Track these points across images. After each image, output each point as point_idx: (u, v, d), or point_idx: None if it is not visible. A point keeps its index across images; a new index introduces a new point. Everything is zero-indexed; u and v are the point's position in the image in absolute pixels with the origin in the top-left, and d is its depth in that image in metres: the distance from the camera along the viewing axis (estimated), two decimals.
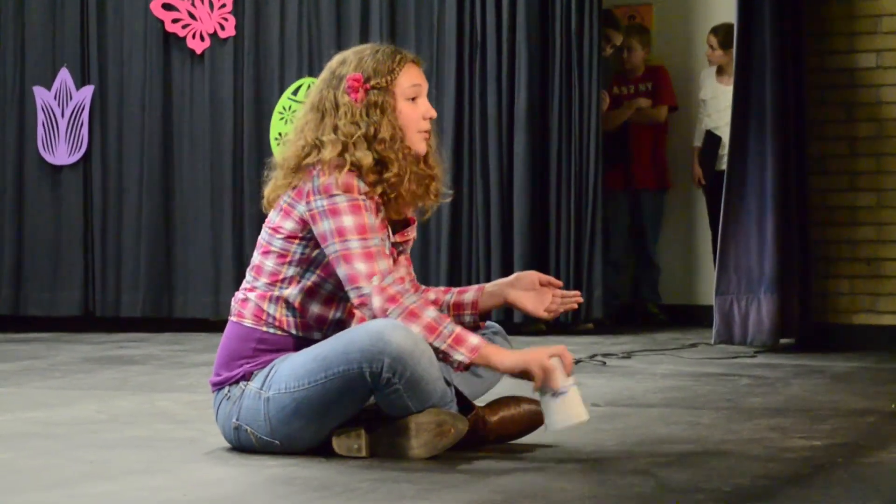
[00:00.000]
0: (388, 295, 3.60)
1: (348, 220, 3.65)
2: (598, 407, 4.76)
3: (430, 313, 3.61)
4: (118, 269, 8.51)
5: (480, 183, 8.01)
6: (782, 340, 6.90)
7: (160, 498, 3.17)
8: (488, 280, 7.64)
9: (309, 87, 7.88)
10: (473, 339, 3.62)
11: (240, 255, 8.21)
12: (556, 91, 7.95)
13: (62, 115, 8.55)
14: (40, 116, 8.58)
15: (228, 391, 3.75)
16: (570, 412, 3.57)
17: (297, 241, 3.73)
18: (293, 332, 3.73)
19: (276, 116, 8.26)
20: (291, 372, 3.64)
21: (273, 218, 3.79)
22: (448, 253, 8.03)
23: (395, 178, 3.72)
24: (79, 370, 6.17)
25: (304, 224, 3.71)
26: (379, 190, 3.71)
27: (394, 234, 3.81)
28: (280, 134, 8.12)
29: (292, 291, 3.73)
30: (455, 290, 3.98)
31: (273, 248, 3.76)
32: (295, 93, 8.21)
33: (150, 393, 5.29)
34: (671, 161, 9.07)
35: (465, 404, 3.75)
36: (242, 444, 3.74)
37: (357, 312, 3.78)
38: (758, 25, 6.90)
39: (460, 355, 3.59)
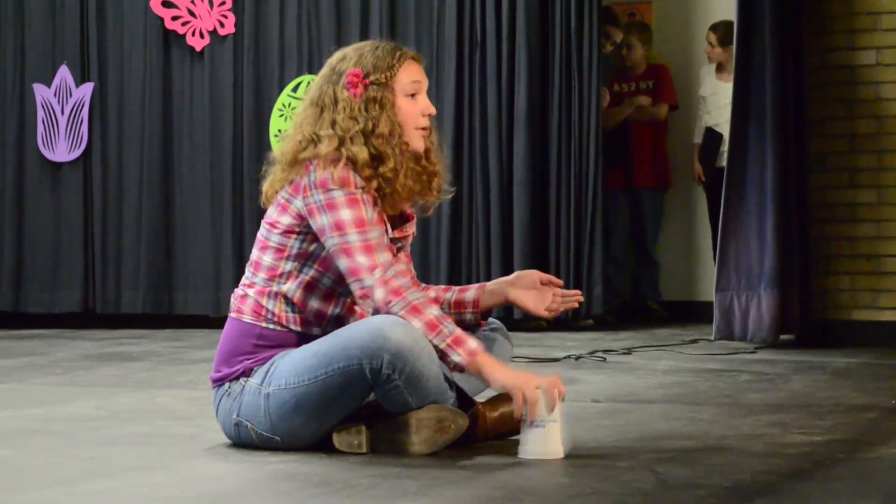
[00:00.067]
0: (391, 287, 3.60)
1: (346, 214, 3.65)
2: (598, 403, 4.76)
3: (433, 311, 3.62)
4: (118, 266, 8.51)
5: (480, 181, 8.01)
6: (782, 337, 6.90)
7: (160, 494, 3.17)
8: (489, 278, 7.67)
9: (309, 83, 7.88)
10: (473, 343, 3.62)
11: (240, 252, 8.21)
12: (555, 89, 7.95)
13: (62, 113, 8.55)
14: (40, 114, 8.58)
15: (229, 387, 3.75)
16: (544, 447, 3.55)
17: (294, 236, 3.73)
18: (292, 327, 3.74)
19: (275, 113, 8.26)
20: (292, 368, 3.64)
21: (271, 213, 3.79)
22: (448, 251, 8.03)
23: (390, 172, 3.72)
24: (79, 367, 6.17)
25: (302, 219, 3.71)
26: (374, 184, 3.72)
27: (392, 230, 3.81)
28: (280, 131, 8.12)
29: (291, 286, 3.73)
30: (456, 288, 3.99)
31: (271, 244, 3.76)
32: (295, 90, 8.21)
33: (150, 389, 5.29)
34: (671, 159, 9.07)
35: (465, 400, 3.75)
36: (243, 441, 3.74)
37: (357, 309, 3.78)
38: (758, 22, 6.90)
39: (458, 356, 3.59)
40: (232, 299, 3.82)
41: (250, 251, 3.87)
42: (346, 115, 3.74)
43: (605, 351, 6.63)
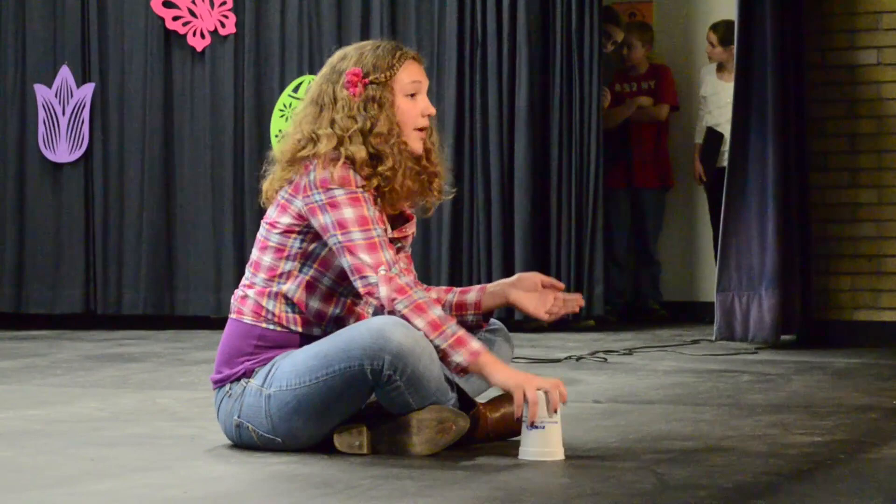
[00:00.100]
0: (396, 285, 3.60)
1: (349, 212, 3.65)
2: (599, 403, 4.76)
3: (437, 311, 3.62)
4: (119, 266, 8.51)
5: (481, 180, 8.01)
6: (783, 337, 6.90)
7: (161, 495, 3.17)
8: (489, 278, 7.67)
9: (310, 83, 7.88)
10: (475, 343, 3.62)
11: (241, 253, 8.21)
12: (556, 88, 7.95)
13: (63, 113, 8.55)
14: (41, 114, 8.58)
15: (230, 388, 3.75)
16: (543, 448, 3.55)
17: (293, 236, 3.74)
18: (293, 327, 3.73)
19: (276, 114, 8.26)
20: (293, 369, 3.64)
21: (270, 213, 3.79)
22: (449, 251, 8.03)
23: (389, 171, 3.72)
24: (80, 368, 6.17)
25: (302, 218, 3.71)
26: (374, 183, 3.72)
27: (391, 230, 3.81)
28: (280, 131, 8.12)
29: (291, 287, 3.73)
30: (457, 290, 3.99)
31: (270, 244, 3.77)
32: (296, 90, 8.21)
33: (151, 390, 5.29)
34: (672, 159, 9.06)
35: (466, 401, 3.75)
36: (244, 442, 3.74)
37: (356, 309, 3.78)
38: (758, 22, 6.90)
39: (460, 357, 3.59)
40: (232, 300, 3.82)
41: (251, 250, 3.87)
42: (344, 114, 3.75)
43: (606, 351, 6.63)
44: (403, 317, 3.59)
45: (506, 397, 3.82)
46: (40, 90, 8.58)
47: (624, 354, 6.57)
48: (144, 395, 5.11)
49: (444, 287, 4.03)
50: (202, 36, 8.45)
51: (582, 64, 7.93)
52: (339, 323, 3.75)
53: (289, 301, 3.73)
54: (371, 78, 3.76)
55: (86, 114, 8.52)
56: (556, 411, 3.55)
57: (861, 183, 7.10)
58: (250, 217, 8.24)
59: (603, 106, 8.15)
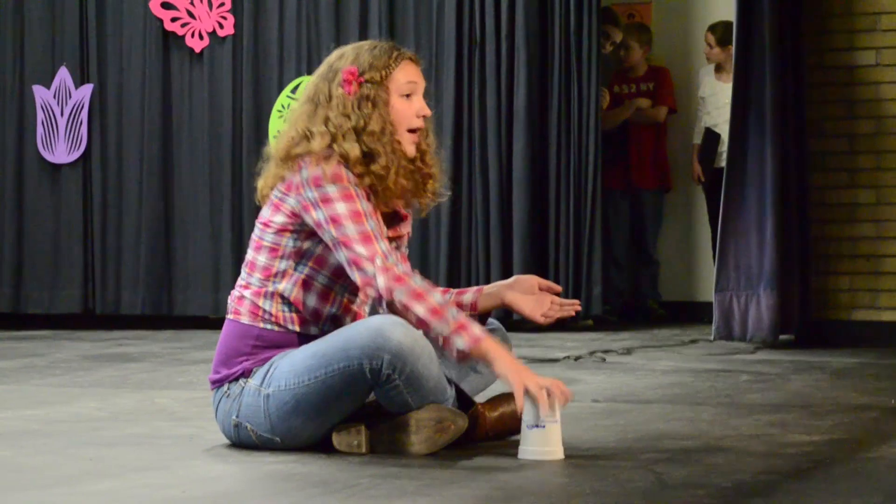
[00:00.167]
0: (393, 275, 3.60)
1: (341, 207, 3.65)
2: (597, 403, 4.77)
3: (436, 297, 3.61)
4: (118, 266, 8.51)
5: (480, 181, 8.01)
6: (782, 337, 6.90)
7: (160, 495, 3.17)
8: (488, 278, 7.67)
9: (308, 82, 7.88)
10: (476, 328, 3.61)
11: (239, 253, 8.21)
12: (555, 89, 7.95)
13: (61, 114, 8.55)
14: (40, 115, 8.58)
15: (228, 389, 3.75)
16: (544, 447, 3.55)
17: (287, 234, 3.74)
18: (290, 327, 3.74)
19: (274, 115, 8.26)
20: (291, 368, 3.64)
21: (264, 213, 3.80)
22: (447, 251, 8.03)
23: (382, 170, 3.72)
24: (79, 368, 6.17)
25: (295, 216, 3.71)
26: (367, 181, 3.72)
27: (387, 229, 3.81)
28: (279, 132, 8.11)
29: (287, 286, 3.73)
30: (454, 291, 3.98)
31: (265, 243, 3.77)
32: (294, 91, 8.21)
33: (150, 390, 5.29)
34: (671, 160, 9.06)
35: (464, 400, 3.75)
36: (242, 442, 3.74)
37: (353, 308, 3.78)
38: (757, 23, 6.90)
39: (462, 342, 3.58)
40: (229, 301, 3.82)
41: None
42: (338, 111, 3.75)
43: (605, 351, 6.64)
44: (403, 305, 3.59)
45: (504, 397, 3.83)
46: (39, 91, 8.58)
47: (622, 354, 6.57)
48: (143, 395, 5.11)
49: (440, 288, 4.03)
50: (200, 37, 8.45)
51: (580, 65, 7.93)
52: (335, 321, 3.75)
53: (285, 300, 3.73)
54: (367, 77, 3.77)
55: (84, 115, 8.52)
56: (555, 411, 3.55)
57: (860, 183, 7.10)
58: (248, 217, 8.24)
59: (602, 106, 8.15)
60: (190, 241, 8.43)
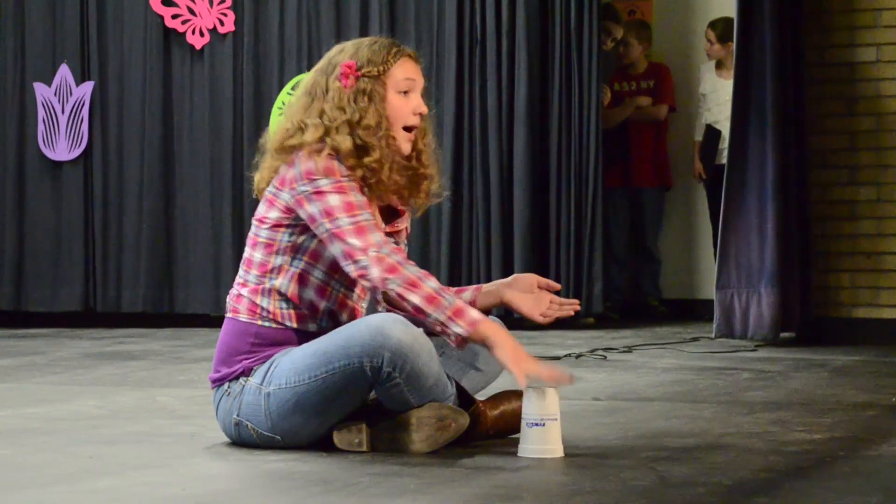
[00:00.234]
0: (386, 265, 3.59)
1: (334, 200, 3.65)
2: (598, 401, 4.76)
3: (431, 283, 3.60)
4: (119, 264, 8.51)
5: (480, 178, 8.01)
6: (783, 334, 6.90)
7: (160, 493, 3.17)
8: (489, 276, 7.67)
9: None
10: (473, 312, 3.60)
11: (240, 250, 8.20)
12: (556, 86, 7.95)
13: (62, 111, 8.55)
14: (40, 112, 8.58)
15: (228, 387, 3.75)
16: (543, 445, 3.55)
17: (282, 230, 3.74)
18: (288, 323, 3.73)
19: (275, 112, 8.26)
20: (292, 367, 3.64)
21: (259, 209, 3.80)
22: (448, 248, 8.03)
23: (375, 163, 3.71)
24: (79, 366, 6.17)
25: (290, 211, 3.71)
26: (359, 174, 3.71)
27: (384, 224, 3.81)
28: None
29: (283, 281, 3.73)
30: (453, 289, 3.98)
31: (260, 239, 3.77)
32: (294, 88, 8.20)
33: (151, 388, 5.29)
34: (672, 157, 9.06)
35: (465, 398, 3.74)
36: (243, 440, 3.74)
37: (349, 303, 3.77)
38: (758, 20, 6.90)
39: (459, 328, 3.58)
40: (228, 299, 3.83)
41: None
42: (333, 104, 3.75)
43: (606, 349, 6.64)
44: (398, 294, 3.58)
45: (505, 395, 3.83)
46: (40, 88, 8.58)
47: (623, 352, 6.57)
48: (144, 393, 5.11)
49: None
50: (201, 34, 8.45)
51: (581, 61, 7.93)
52: (332, 317, 3.74)
53: (283, 296, 3.73)
54: (364, 71, 3.77)
55: (85, 112, 8.52)
56: (555, 406, 3.55)
57: (860, 180, 7.10)
58: (249, 214, 8.23)
59: (603, 103, 8.15)
60: (191, 239, 8.43)
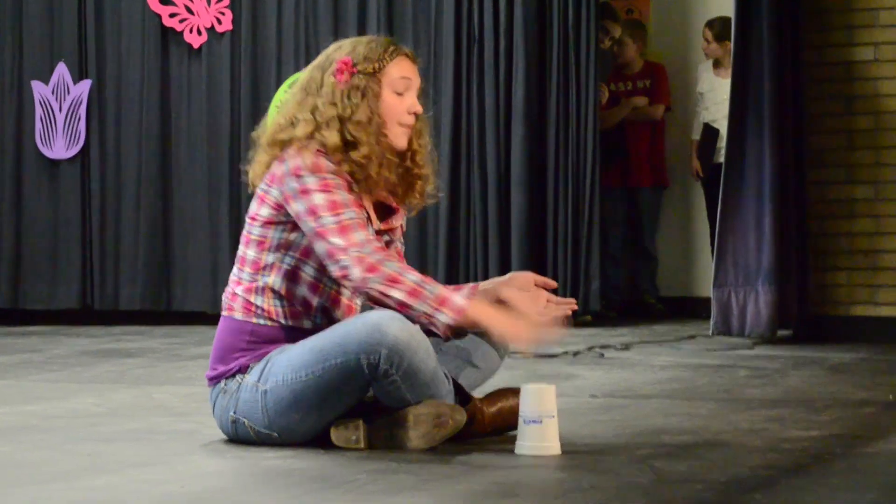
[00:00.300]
0: (367, 264, 3.59)
1: (319, 198, 3.65)
2: (596, 398, 4.77)
3: (411, 277, 3.60)
4: (116, 262, 8.51)
5: (478, 177, 8.01)
6: (780, 332, 6.91)
7: (158, 490, 3.17)
8: (486, 275, 7.67)
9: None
10: (458, 299, 3.60)
11: (237, 248, 8.20)
12: (553, 85, 7.95)
13: (60, 110, 8.55)
14: (38, 111, 8.58)
15: (225, 385, 3.75)
16: (540, 442, 3.55)
17: (273, 227, 3.74)
18: (282, 321, 3.73)
19: (272, 110, 8.25)
20: (288, 364, 3.64)
21: (252, 207, 3.81)
22: (446, 247, 8.03)
23: (362, 158, 3.71)
24: (77, 363, 6.17)
25: (280, 208, 3.72)
26: (346, 168, 3.71)
27: (379, 221, 3.81)
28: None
29: (276, 279, 3.73)
30: (450, 287, 3.97)
31: (253, 237, 3.78)
32: (292, 86, 8.20)
33: (148, 386, 5.29)
34: (669, 154, 9.06)
35: (462, 396, 3.74)
36: (240, 437, 3.74)
37: (343, 300, 3.77)
38: (755, 19, 6.90)
39: (445, 316, 3.57)
40: (223, 297, 3.83)
41: None
42: (326, 100, 3.76)
43: (603, 346, 6.64)
44: (379, 293, 3.58)
45: (502, 392, 3.83)
46: (37, 87, 8.58)
47: (621, 349, 6.57)
48: (141, 391, 5.11)
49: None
50: (199, 33, 8.45)
51: (579, 60, 7.93)
52: (326, 313, 3.74)
53: (276, 294, 3.73)
54: (359, 68, 3.77)
55: (82, 111, 8.52)
56: (552, 404, 3.55)
57: (858, 179, 7.10)
58: (246, 212, 8.23)
59: (600, 102, 8.15)
60: (188, 237, 8.43)
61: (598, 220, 7.97)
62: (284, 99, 3.90)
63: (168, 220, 8.48)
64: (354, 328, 3.57)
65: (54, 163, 8.59)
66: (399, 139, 3.80)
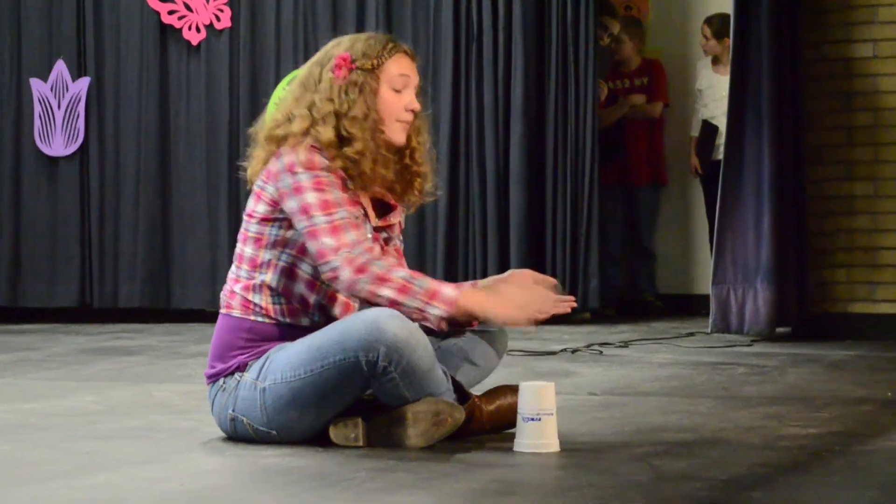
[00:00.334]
0: (356, 266, 3.59)
1: (312, 197, 3.65)
2: (594, 396, 4.77)
3: (400, 273, 3.60)
4: (115, 260, 8.51)
5: (477, 174, 8.01)
6: (779, 329, 6.91)
7: (158, 488, 3.17)
8: (485, 272, 7.68)
9: None
10: (448, 290, 3.60)
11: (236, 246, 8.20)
12: (552, 81, 7.95)
13: (58, 107, 8.55)
14: (37, 108, 8.58)
15: (223, 383, 3.75)
16: (539, 440, 3.55)
17: (269, 224, 3.74)
18: (280, 318, 3.73)
19: (271, 107, 8.24)
20: (287, 362, 3.64)
21: (249, 204, 3.81)
22: (444, 244, 8.03)
23: (355, 154, 3.71)
24: (76, 361, 6.17)
25: (276, 204, 3.72)
26: (338, 164, 3.71)
27: (377, 218, 3.81)
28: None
29: (273, 276, 3.73)
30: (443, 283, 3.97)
31: (250, 234, 3.78)
32: (291, 83, 8.20)
33: (147, 384, 5.29)
34: (667, 152, 9.06)
35: (461, 393, 3.74)
36: (239, 435, 3.74)
37: (339, 297, 3.77)
38: (754, 15, 6.90)
39: (437, 309, 3.58)
40: (221, 295, 3.83)
41: None
42: (323, 95, 3.76)
43: (602, 344, 6.64)
44: (369, 293, 3.58)
45: (501, 390, 3.82)
46: (36, 84, 8.58)
47: (620, 347, 6.57)
48: (140, 389, 5.11)
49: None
50: (197, 30, 8.45)
51: (577, 57, 7.93)
52: (323, 311, 3.74)
53: (273, 291, 3.73)
54: (358, 64, 3.77)
55: (81, 108, 8.52)
56: (551, 402, 3.55)
57: (857, 176, 7.10)
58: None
59: (599, 98, 8.15)
60: (187, 235, 8.43)
61: (597, 218, 7.96)
62: (283, 95, 3.90)
63: (167, 218, 8.48)
64: (353, 326, 3.57)
65: (53, 160, 8.58)
66: (397, 135, 3.80)
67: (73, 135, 8.53)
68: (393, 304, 3.58)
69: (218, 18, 8.42)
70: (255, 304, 3.74)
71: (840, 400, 4.66)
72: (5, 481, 3.27)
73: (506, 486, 3.17)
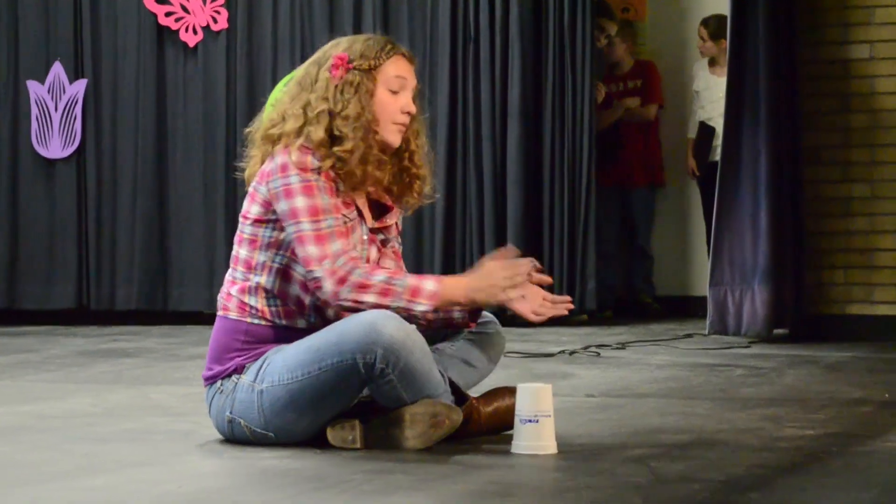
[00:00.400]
0: (337, 277, 3.60)
1: (300, 202, 3.65)
2: (592, 397, 4.77)
3: (379, 277, 3.61)
4: (112, 262, 8.50)
5: (474, 176, 8.01)
6: (776, 331, 6.91)
7: (155, 490, 3.17)
8: None
9: None
10: (429, 284, 3.62)
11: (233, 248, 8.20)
12: (549, 83, 7.96)
13: (56, 109, 8.54)
14: (34, 110, 8.57)
15: (221, 385, 3.75)
16: (536, 442, 3.55)
17: (263, 225, 3.74)
18: (277, 320, 3.73)
19: (268, 109, 8.23)
20: (284, 364, 3.64)
21: (244, 205, 3.81)
22: (442, 246, 8.03)
23: (345, 153, 3.71)
24: (73, 363, 6.17)
25: (268, 206, 3.72)
26: (328, 163, 3.71)
27: (374, 220, 3.81)
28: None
29: (268, 278, 3.73)
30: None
31: (245, 236, 3.78)
32: (288, 83, 8.20)
33: (145, 386, 5.29)
34: (664, 153, 9.06)
35: (459, 395, 3.74)
36: (237, 437, 3.74)
37: None
38: (751, 17, 6.90)
39: (422, 306, 3.59)
40: (218, 297, 3.82)
41: None
42: (318, 95, 3.76)
43: (599, 346, 6.64)
44: (353, 301, 3.59)
45: (499, 391, 3.82)
46: (33, 86, 8.58)
47: (617, 349, 6.57)
48: (138, 391, 5.11)
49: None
50: (194, 32, 8.45)
51: (574, 59, 7.93)
52: (319, 312, 3.73)
53: (269, 293, 3.73)
54: (355, 64, 3.77)
55: (78, 110, 8.52)
56: (549, 402, 3.55)
57: (854, 177, 7.11)
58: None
59: (597, 100, 8.15)
60: (184, 236, 8.43)
61: (595, 219, 7.97)
62: (280, 95, 3.90)
63: (164, 220, 8.47)
64: (350, 328, 3.57)
65: (50, 162, 8.58)
66: (392, 137, 3.80)
67: (70, 137, 8.53)
68: (377, 308, 3.59)
69: (215, 20, 8.42)
70: (251, 307, 3.73)
71: (838, 401, 4.67)
72: (4, 483, 3.27)
73: (503, 488, 3.17)
